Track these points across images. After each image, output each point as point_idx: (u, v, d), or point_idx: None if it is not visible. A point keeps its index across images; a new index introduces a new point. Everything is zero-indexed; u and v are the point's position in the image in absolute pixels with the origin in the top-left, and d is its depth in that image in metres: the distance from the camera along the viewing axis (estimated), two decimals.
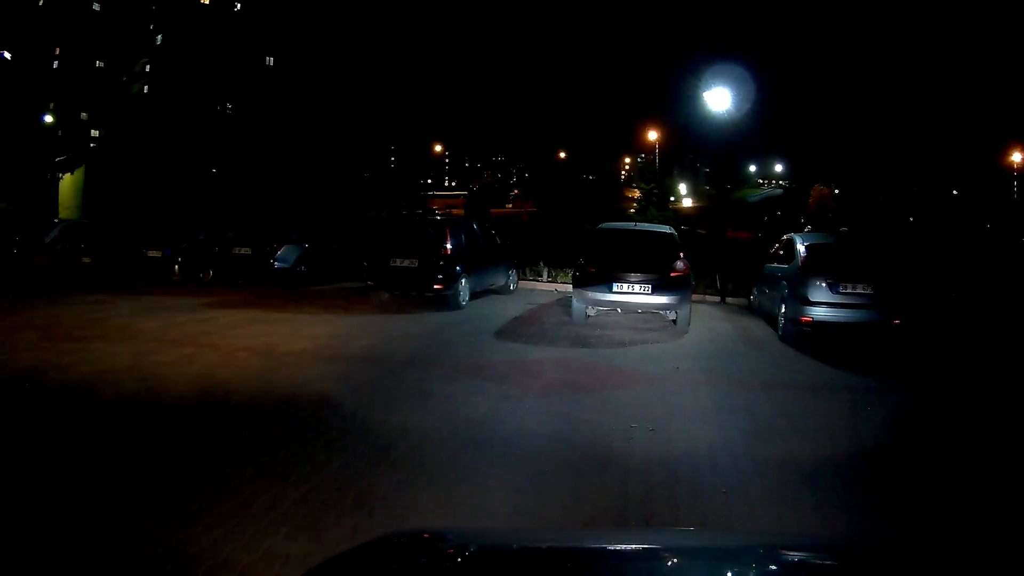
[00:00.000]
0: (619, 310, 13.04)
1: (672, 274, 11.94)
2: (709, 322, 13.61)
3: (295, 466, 5.53)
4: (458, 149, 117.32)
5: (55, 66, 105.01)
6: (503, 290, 17.00)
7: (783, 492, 5.31)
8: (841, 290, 11.19)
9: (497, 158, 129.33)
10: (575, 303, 12.85)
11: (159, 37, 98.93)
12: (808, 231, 14.80)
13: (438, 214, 23.81)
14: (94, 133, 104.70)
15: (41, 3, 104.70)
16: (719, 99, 21.65)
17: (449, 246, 14.27)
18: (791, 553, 2.11)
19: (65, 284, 17.31)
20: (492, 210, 57.03)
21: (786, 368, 10.03)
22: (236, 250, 19.00)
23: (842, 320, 11.19)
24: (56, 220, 34.37)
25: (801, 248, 12.01)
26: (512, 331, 12.13)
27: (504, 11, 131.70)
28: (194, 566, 4.00)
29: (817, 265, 11.52)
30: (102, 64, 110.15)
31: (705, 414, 7.30)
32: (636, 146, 75.99)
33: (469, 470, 5.56)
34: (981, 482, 5.75)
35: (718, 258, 18.39)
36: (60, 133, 65.90)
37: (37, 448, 5.99)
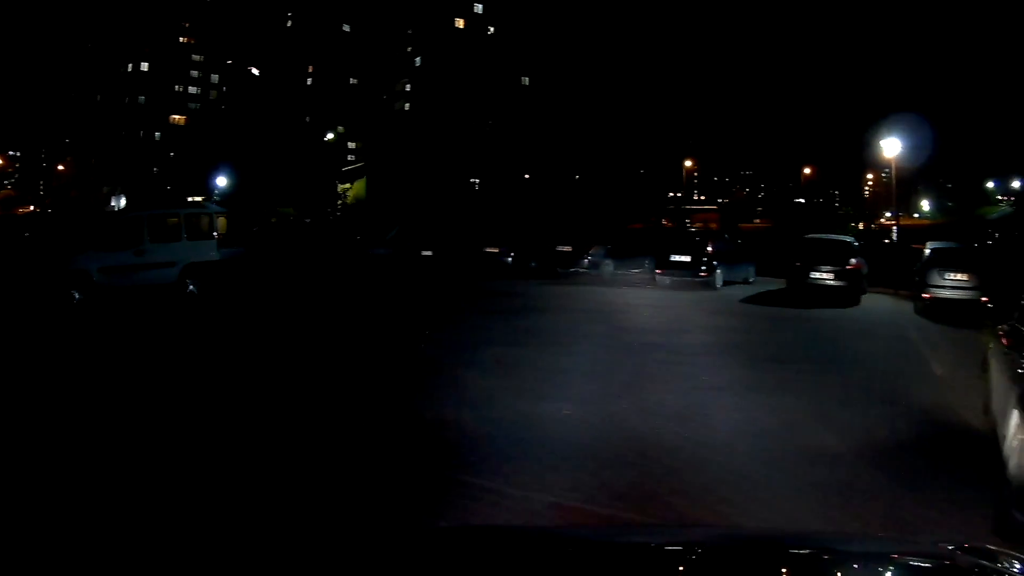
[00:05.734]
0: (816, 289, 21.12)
1: (847, 267, 19.85)
2: (877, 302, 21.19)
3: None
4: (708, 163, 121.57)
5: (308, 83, 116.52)
6: (745, 281, 25.07)
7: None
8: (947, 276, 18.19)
9: (745, 172, 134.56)
10: (787, 285, 21.12)
11: (418, 59, 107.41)
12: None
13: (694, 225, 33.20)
14: (351, 145, 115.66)
15: (289, 24, 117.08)
16: (891, 147, 29.52)
17: (710, 248, 23.21)
18: (800, 549, 2.22)
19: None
20: (741, 224, 64.83)
21: (906, 325, 17.97)
22: (559, 248, 28.78)
23: (947, 297, 18.38)
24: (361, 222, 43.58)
25: (926, 251, 19.27)
26: (751, 300, 20.80)
27: (750, 34, 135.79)
28: None
29: (933, 261, 18.44)
30: (355, 81, 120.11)
31: (857, 335, 15.71)
32: (879, 162, 79.21)
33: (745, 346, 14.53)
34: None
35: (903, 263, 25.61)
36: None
37: None
